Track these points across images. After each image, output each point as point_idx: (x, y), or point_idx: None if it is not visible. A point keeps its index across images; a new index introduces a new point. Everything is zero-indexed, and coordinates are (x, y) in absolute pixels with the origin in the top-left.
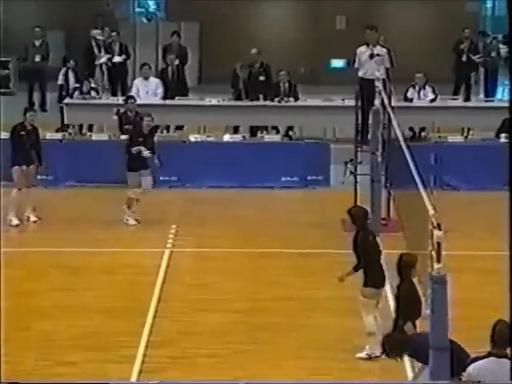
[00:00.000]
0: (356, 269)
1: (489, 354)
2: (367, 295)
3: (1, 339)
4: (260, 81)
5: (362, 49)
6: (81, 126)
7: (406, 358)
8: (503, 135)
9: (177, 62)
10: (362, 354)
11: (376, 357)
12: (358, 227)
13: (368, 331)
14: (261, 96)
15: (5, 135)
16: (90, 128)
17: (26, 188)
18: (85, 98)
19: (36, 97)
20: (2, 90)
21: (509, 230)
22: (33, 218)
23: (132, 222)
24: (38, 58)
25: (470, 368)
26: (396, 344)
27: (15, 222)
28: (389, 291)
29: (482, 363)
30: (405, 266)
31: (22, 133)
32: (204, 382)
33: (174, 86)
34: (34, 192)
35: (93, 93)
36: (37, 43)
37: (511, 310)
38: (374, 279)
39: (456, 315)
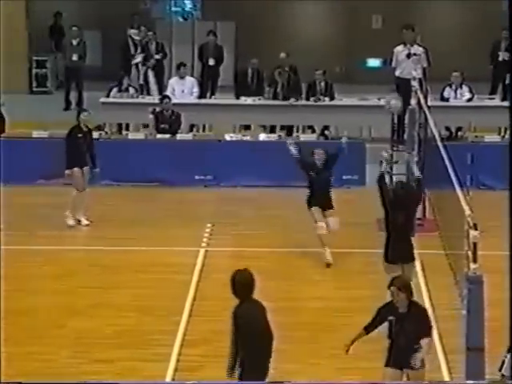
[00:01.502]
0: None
1: None
2: (384, 269)
3: (1, 339)
4: (290, 84)
5: (399, 48)
6: (119, 125)
7: (442, 360)
8: None
9: (213, 61)
10: None
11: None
12: (393, 194)
13: None
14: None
15: (38, 133)
16: (127, 127)
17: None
18: (122, 96)
19: (73, 96)
20: (40, 89)
21: (509, 229)
22: (85, 222)
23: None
24: (75, 57)
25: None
26: None
27: (71, 222)
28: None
29: None
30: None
31: (79, 135)
32: (235, 382)
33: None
34: (87, 195)
35: (131, 90)
36: (74, 42)
37: (511, 310)
38: (388, 252)
39: (491, 316)
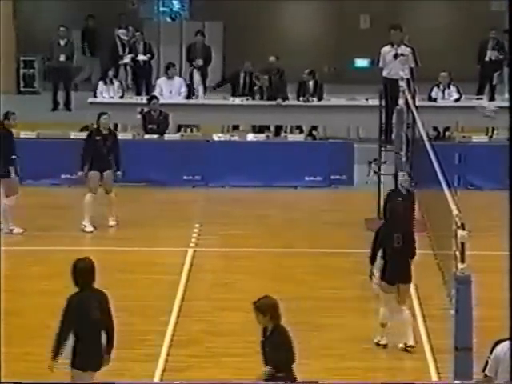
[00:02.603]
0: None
1: None
2: (382, 288)
3: (0, 340)
4: (272, 86)
5: (387, 49)
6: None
7: (431, 360)
8: None
9: (201, 62)
10: (375, 339)
11: (383, 345)
12: (384, 220)
13: (379, 322)
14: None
15: (26, 134)
16: (116, 127)
17: (106, 194)
18: (109, 89)
19: (61, 96)
20: (27, 89)
21: (509, 229)
22: (111, 223)
23: None
24: (62, 58)
25: (498, 348)
26: None
27: (89, 228)
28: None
29: (508, 343)
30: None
31: (98, 138)
32: (226, 382)
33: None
34: (113, 198)
35: (116, 82)
36: (62, 42)
37: (511, 310)
38: (388, 274)
39: (480, 316)
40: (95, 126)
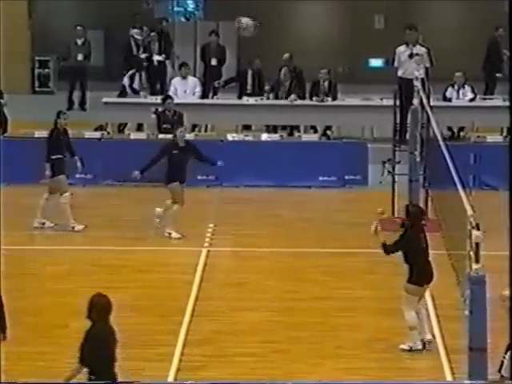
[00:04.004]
0: (385, 247)
1: None
2: (409, 291)
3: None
4: (293, 85)
5: (402, 48)
6: (119, 125)
7: (445, 360)
8: None
9: (215, 61)
10: (405, 346)
11: (417, 349)
12: (411, 224)
13: (409, 325)
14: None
15: (40, 133)
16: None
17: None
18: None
19: (76, 96)
20: (42, 89)
21: (509, 230)
22: (175, 235)
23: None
24: (80, 57)
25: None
26: None
27: (175, 235)
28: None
29: None
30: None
31: (175, 151)
32: (239, 382)
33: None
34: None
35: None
36: (79, 42)
37: (511, 308)
38: (417, 276)
39: (495, 316)
40: (172, 139)
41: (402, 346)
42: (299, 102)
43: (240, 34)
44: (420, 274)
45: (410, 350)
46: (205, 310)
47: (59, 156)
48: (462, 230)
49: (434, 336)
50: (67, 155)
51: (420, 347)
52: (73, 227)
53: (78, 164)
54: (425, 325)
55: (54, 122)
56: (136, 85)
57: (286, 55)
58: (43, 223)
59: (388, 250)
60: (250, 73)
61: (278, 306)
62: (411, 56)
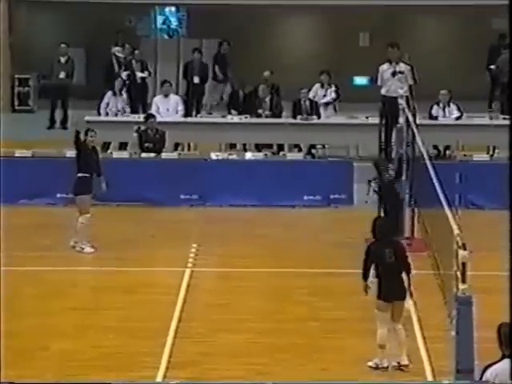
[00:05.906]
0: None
1: (502, 357)
2: (378, 307)
3: (0, 342)
4: (274, 100)
5: (385, 66)
6: (104, 144)
7: (430, 377)
8: None
9: (197, 79)
10: (371, 363)
11: (383, 367)
12: (375, 238)
13: (377, 343)
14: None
15: (21, 153)
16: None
17: None
18: (117, 101)
19: (57, 114)
20: (22, 107)
21: (509, 236)
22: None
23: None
24: (62, 75)
25: (488, 373)
26: None
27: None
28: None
29: (498, 366)
30: None
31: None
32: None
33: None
34: None
35: (124, 95)
36: (62, 60)
37: (511, 311)
38: (384, 292)
39: (482, 337)
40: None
41: (369, 364)
42: (284, 120)
43: None
44: (386, 290)
45: (377, 368)
46: (188, 332)
47: (86, 174)
48: (448, 250)
49: (410, 361)
50: (94, 175)
51: (386, 365)
52: (82, 248)
53: (103, 185)
54: (403, 348)
55: (75, 137)
56: (119, 104)
57: (267, 73)
58: (82, 248)
59: (362, 270)
60: (241, 95)
61: (263, 328)
62: (394, 74)
